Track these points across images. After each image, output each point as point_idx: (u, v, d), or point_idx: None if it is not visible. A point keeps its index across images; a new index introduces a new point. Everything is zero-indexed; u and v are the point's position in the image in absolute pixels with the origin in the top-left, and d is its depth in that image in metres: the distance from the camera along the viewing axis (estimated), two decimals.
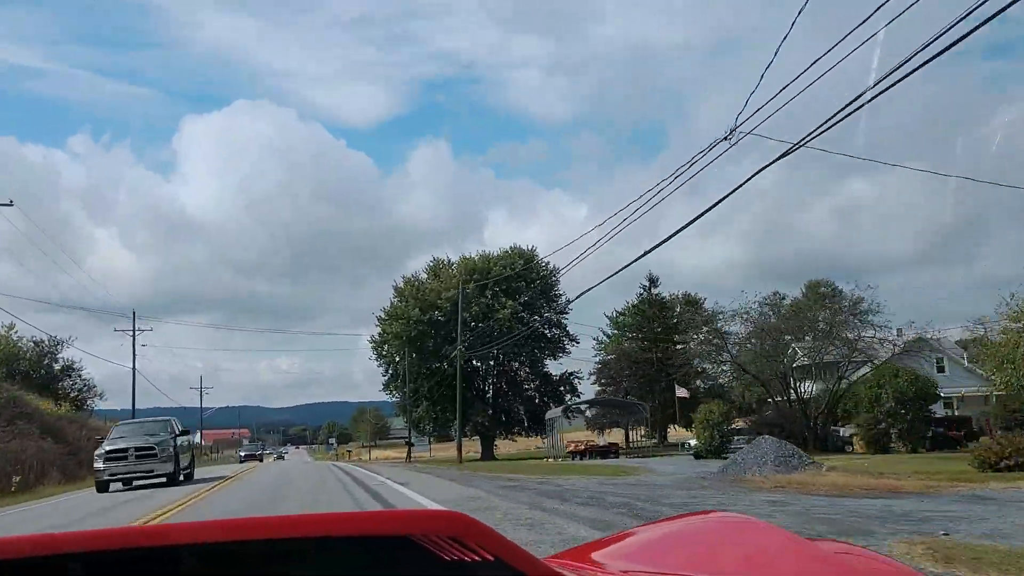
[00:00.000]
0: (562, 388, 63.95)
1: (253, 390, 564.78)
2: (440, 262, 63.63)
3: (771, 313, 42.86)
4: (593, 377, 64.78)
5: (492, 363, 61.49)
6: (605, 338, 67.55)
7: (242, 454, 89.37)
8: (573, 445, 47.66)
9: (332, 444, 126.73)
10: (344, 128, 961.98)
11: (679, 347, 53.80)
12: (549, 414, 56.07)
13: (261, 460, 76.56)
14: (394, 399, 67.13)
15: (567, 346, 62.85)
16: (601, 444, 50.21)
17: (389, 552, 1.07)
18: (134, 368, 53.33)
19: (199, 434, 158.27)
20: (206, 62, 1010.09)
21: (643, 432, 58.46)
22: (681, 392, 52.14)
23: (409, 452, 59.29)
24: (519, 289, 58.37)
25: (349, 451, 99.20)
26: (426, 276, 62.84)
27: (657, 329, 59.86)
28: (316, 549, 1.05)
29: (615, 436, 60.04)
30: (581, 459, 42.31)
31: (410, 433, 63.19)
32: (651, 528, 2.04)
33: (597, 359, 66.17)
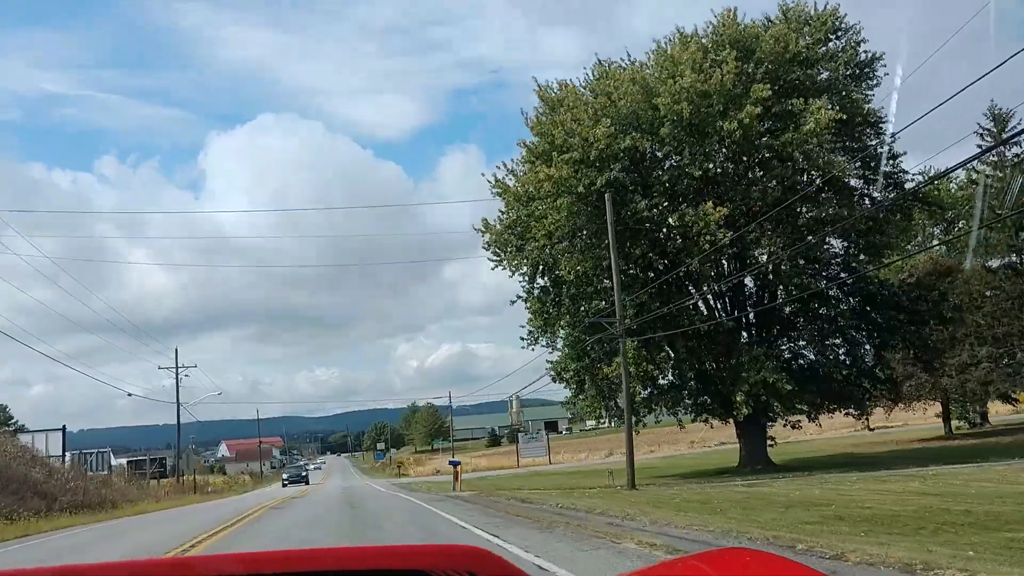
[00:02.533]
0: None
1: (292, 402, 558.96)
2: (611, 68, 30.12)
3: None
4: None
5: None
6: None
7: (285, 477, 65.61)
8: None
9: (381, 451, 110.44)
10: (373, 139, 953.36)
11: None
12: None
13: (307, 483, 60.59)
14: (544, 346, 31.95)
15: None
16: None
17: None
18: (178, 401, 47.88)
19: (222, 445, 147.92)
20: (234, 79, 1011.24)
21: None
22: None
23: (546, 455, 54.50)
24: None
25: (401, 463, 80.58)
26: (589, 92, 29.87)
27: None
28: None
29: None
30: None
31: (632, 412, 26.39)
32: (676, 562, 2.03)
33: None
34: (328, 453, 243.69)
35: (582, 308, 29.72)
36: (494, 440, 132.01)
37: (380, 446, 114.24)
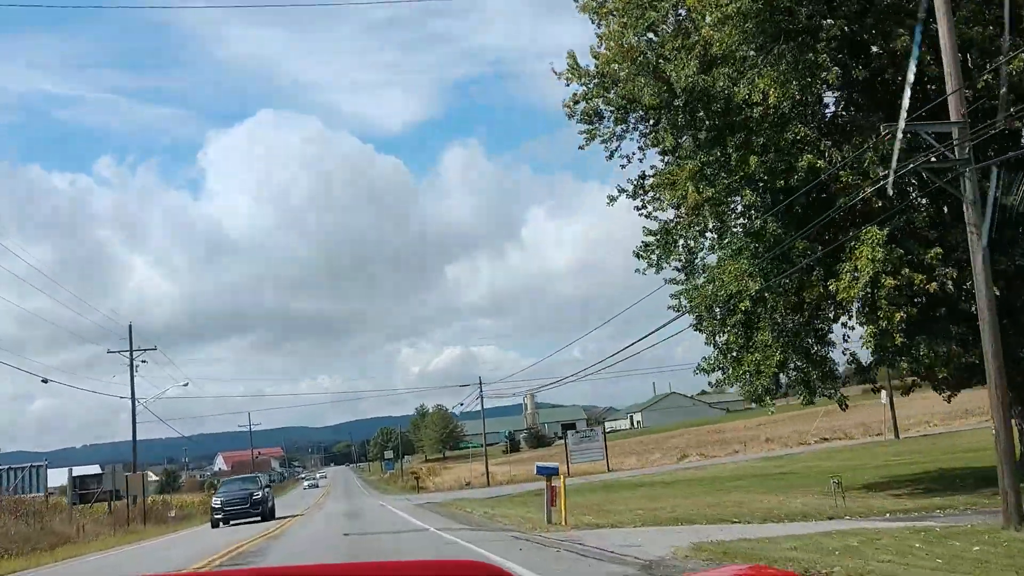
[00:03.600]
0: None
1: (294, 413, 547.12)
2: None
3: None
4: None
5: None
6: None
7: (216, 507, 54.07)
8: None
9: (390, 460, 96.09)
10: (373, 135, 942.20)
11: None
12: None
13: (267, 516, 47.11)
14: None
15: None
16: None
17: None
18: None
19: (218, 458, 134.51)
20: (232, 76, 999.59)
21: None
22: None
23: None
24: None
25: (416, 474, 66.78)
26: None
27: None
28: None
29: None
30: None
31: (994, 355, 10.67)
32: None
33: None
34: (332, 464, 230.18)
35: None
36: (513, 445, 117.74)
37: (388, 454, 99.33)
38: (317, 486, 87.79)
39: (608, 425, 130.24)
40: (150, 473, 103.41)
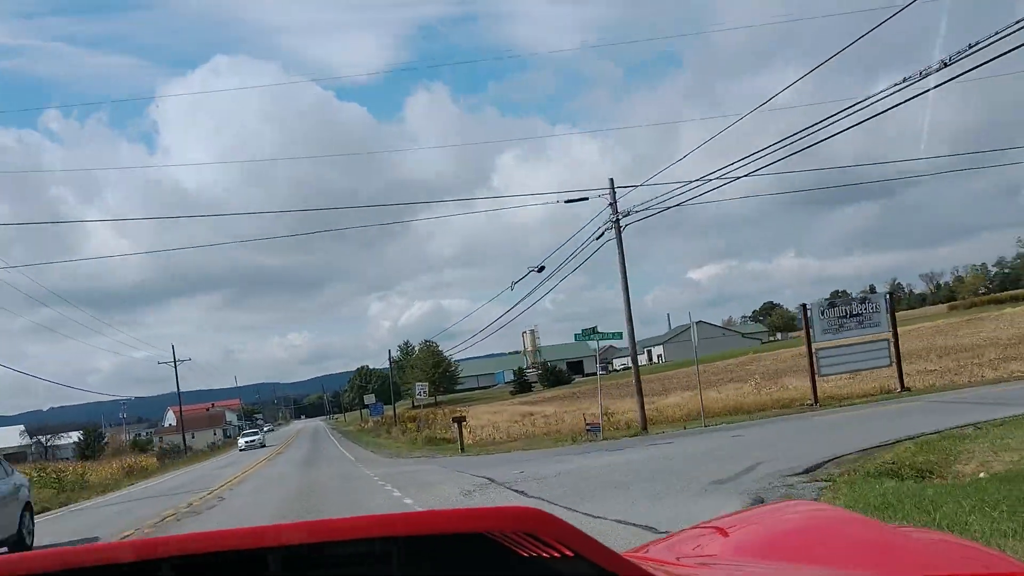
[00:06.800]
0: None
1: (267, 368, 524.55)
2: None
3: None
4: None
5: None
6: None
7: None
8: None
9: (379, 404, 67.82)
10: (336, 82, 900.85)
11: None
12: None
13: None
14: None
15: None
16: None
17: (466, 550, 1.04)
18: None
19: (168, 413, 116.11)
20: (189, 21, 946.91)
21: None
22: None
23: None
24: None
25: (459, 415, 45.48)
26: None
27: None
28: (393, 549, 1.04)
29: None
30: None
31: None
32: (732, 518, 1.96)
33: None
34: (303, 417, 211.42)
35: None
36: (523, 385, 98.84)
37: (368, 398, 76.71)
38: (262, 445, 62.09)
39: (618, 363, 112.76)
40: (71, 435, 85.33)
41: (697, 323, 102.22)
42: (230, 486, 24.52)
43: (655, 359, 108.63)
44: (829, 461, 11.55)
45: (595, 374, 32.68)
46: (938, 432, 12.82)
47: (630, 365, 27.16)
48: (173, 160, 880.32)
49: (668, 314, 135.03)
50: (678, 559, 1.58)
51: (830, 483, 9.74)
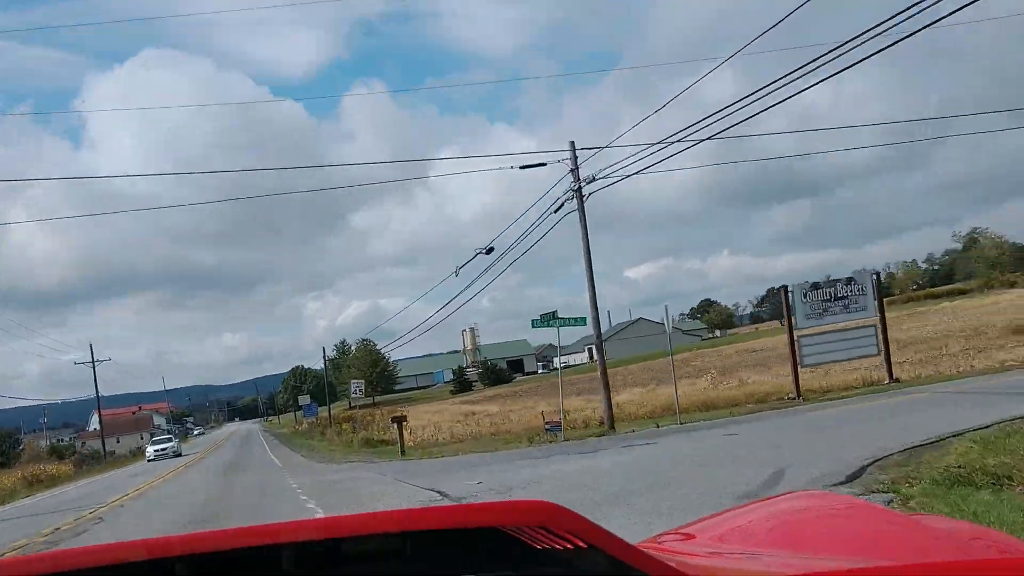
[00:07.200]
0: None
1: (202, 370, 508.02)
2: None
3: None
4: None
5: None
6: None
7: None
8: None
9: (313, 405, 66.77)
10: (271, 78, 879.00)
11: None
12: None
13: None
14: None
15: None
16: None
17: (479, 544, 1.04)
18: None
19: (93, 416, 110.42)
20: (116, 14, 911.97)
21: None
22: None
23: None
24: None
25: (399, 415, 45.02)
26: None
27: None
28: (406, 544, 1.04)
29: None
30: None
31: None
32: (744, 509, 1.94)
33: None
34: (236, 419, 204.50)
35: None
36: (463, 384, 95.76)
37: (303, 399, 73.01)
38: (176, 454, 54.73)
39: (559, 361, 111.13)
40: None
41: (638, 320, 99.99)
42: (127, 500, 21.51)
43: (595, 357, 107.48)
44: (870, 464, 9.44)
45: (536, 372, 30.61)
46: (983, 427, 10.87)
47: (570, 364, 25.24)
48: (101, 156, 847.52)
49: (608, 311, 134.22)
50: (693, 549, 1.57)
51: (894, 494, 7.62)
